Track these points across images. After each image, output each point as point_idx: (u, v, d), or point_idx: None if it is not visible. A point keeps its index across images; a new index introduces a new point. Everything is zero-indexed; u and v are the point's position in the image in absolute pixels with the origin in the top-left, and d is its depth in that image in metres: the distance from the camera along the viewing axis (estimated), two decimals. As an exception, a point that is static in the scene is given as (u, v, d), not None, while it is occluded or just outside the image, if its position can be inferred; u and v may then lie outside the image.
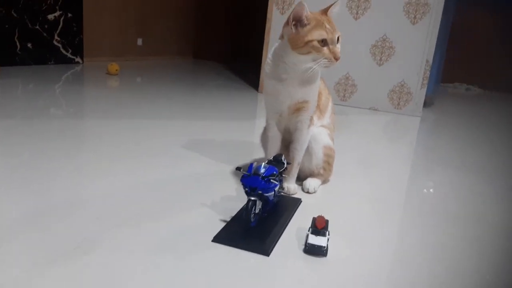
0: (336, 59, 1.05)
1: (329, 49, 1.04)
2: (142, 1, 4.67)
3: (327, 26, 1.04)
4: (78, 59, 3.90)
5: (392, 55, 2.82)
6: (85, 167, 1.32)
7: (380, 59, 2.86)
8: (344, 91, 3.00)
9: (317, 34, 1.03)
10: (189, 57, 5.80)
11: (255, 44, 3.15)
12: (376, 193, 1.32)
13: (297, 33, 1.05)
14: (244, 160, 1.49)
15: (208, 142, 1.73)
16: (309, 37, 1.03)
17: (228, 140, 1.79)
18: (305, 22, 1.04)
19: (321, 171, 1.28)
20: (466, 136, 2.41)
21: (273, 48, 1.14)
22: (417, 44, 2.74)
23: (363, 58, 2.89)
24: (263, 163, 0.96)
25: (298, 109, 1.16)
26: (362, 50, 2.88)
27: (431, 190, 1.41)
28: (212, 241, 0.90)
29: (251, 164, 0.96)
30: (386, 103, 2.90)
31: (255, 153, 1.53)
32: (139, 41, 4.81)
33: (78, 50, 3.88)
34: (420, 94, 2.82)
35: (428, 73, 2.77)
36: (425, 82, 2.79)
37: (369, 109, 2.94)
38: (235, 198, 1.14)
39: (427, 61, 2.75)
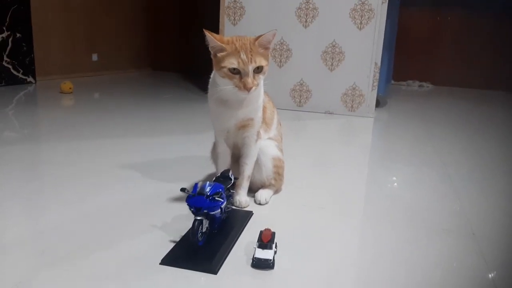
0: (247, 89, 1.07)
1: (240, 78, 1.07)
2: (92, 17, 4.59)
3: (242, 56, 1.05)
4: (30, 79, 3.79)
5: (342, 60, 2.92)
6: (34, 196, 1.30)
7: (332, 64, 2.95)
8: (300, 97, 3.07)
9: (228, 63, 1.06)
10: (147, 69, 5.74)
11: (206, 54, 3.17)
12: (328, 200, 1.37)
13: (215, 57, 1.09)
14: (196, 177, 1.50)
15: (161, 160, 1.74)
16: (222, 64, 1.07)
17: (182, 156, 1.80)
18: (219, 48, 1.07)
19: (272, 182, 1.32)
20: (418, 132, 2.52)
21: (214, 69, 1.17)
22: (365, 48, 2.85)
23: (315, 64, 2.97)
24: (208, 182, 0.99)
25: (243, 126, 1.19)
26: (314, 57, 2.96)
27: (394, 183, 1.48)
28: (160, 264, 0.91)
29: (196, 184, 0.98)
30: (340, 106, 2.99)
31: (208, 168, 1.55)
32: (94, 57, 4.72)
33: (30, 70, 3.77)
34: (371, 96, 2.93)
35: (377, 75, 2.88)
36: (375, 84, 2.90)
37: (325, 113, 3.02)
38: (186, 217, 1.15)
39: (375, 63, 2.86)
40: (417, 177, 1.67)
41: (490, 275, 0.94)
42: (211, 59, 1.12)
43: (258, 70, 1.08)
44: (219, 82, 1.10)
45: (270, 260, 0.91)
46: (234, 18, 3.03)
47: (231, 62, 1.05)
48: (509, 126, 3.02)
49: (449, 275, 0.94)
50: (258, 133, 1.23)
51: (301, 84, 3.04)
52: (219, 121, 1.20)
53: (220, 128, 1.21)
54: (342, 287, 0.87)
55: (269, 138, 1.32)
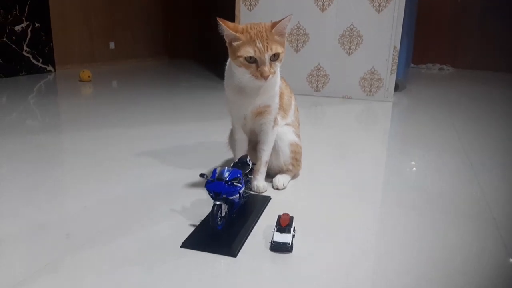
0: (264, 78, 1.06)
1: (257, 66, 1.06)
2: (111, 5, 4.62)
3: (258, 44, 1.04)
4: (50, 68, 3.86)
5: (361, 43, 2.87)
6: (57, 184, 1.34)
7: (349, 48, 2.91)
8: (317, 82, 3.04)
9: (244, 52, 1.05)
10: (164, 58, 5.77)
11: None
12: (347, 185, 1.37)
13: (231, 46, 1.08)
14: (215, 163, 1.52)
15: (179, 146, 1.76)
16: (238, 53, 1.06)
17: (201, 142, 1.82)
18: (233, 37, 1.06)
19: (290, 167, 1.32)
20: (438, 117, 2.48)
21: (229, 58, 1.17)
22: (383, 32, 2.80)
23: (332, 48, 2.93)
24: (226, 168, 1.00)
25: (260, 113, 1.19)
26: (331, 41, 2.92)
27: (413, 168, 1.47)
28: (181, 247, 0.93)
29: (215, 170, 0.99)
30: (358, 91, 2.96)
31: (226, 154, 1.56)
32: (111, 45, 4.77)
33: (49, 59, 3.83)
34: (390, 80, 2.88)
35: (396, 58, 2.83)
36: (394, 67, 2.86)
37: (342, 97, 2.99)
38: (205, 202, 1.17)
39: (394, 47, 2.81)
40: (438, 163, 1.65)
41: (510, 260, 0.93)
42: (227, 47, 1.12)
43: (275, 57, 1.08)
44: (236, 71, 1.10)
45: (289, 243, 0.92)
46: (250, 4, 3.01)
47: (247, 51, 1.05)
48: (533, 109, 2.94)
49: (469, 261, 0.93)
50: (275, 120, 1.24)
51: (318, 69, 3.01)
52: (236, 109, 1.21)
53: (237, 115, 1.22)
54: (360, 272, 0.88)
55: (287, 124, 1.32)
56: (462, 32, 5.22)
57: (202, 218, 1.06)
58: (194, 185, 1.30)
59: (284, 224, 0.95)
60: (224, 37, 1.08)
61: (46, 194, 1.24)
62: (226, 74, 1.19)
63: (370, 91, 2.93)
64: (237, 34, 1.06)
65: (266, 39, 1.05)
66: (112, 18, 4.68)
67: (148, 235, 0.99)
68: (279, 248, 0.92)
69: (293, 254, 0.92)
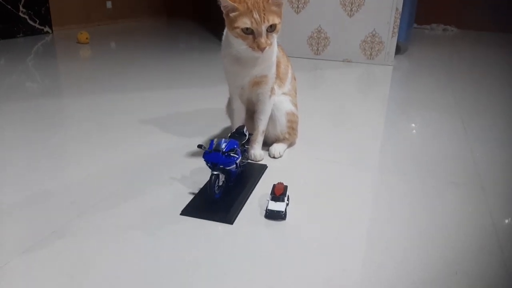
0: (261, 49, 1.07)
1: (253, 38, 1.06)
2: (107, -38, 4.48)
3: (255, 16, 1.04)
4: (47, 29, 3.81)
5: (362, 5, 2.82)
6: (60, 151, 1.37)
7: (351, 10, 2.85)
8: (317, 45, 3.01)
9: (241, 22, 1.05)
10: (163, 17, 5.66)
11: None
12: (342, 153, 1.41)
13: (228, 17, 1.08)
14: (213, 131, 1.55)
15: (179, 113, 1.78)
16: (235, 24, 1.06)
17: (199, 109, 1.84)
18: (231, 8, 1.06)
19: (286, 136, 1.35)
20: (438, 82, 2.48)
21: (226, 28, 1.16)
22: (386, -7, 2.73)
23: (333, 10, 2.88)
24: (223, 139, 1.03)
25: (257, 83, 1.20)
26: (332, 2, 2.87)
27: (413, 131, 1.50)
28: (180, 214, 0.98)
29: (212, 141, 1.02)
30: (359, 54, 2.93)
31: (224, 122, 1.59)
32: (108, 4, 4.67)
33: (46, 20, 3.77)
34: (391, 43, 2.85)
35: (398, 21, 2.79)
36: (396, 30, 2.82)
37: (343, 61, 2.97)
38: (204, 170, 1.20)
39: (396, 9, 2.76)
40: (433, 129, 1.67)
41: (494, 230, 0.98)
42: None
43: (271, 28, 1.08)
44: (233, 42, 1.11)
45: (282, 211, 0.96)
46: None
47: (244, 22, 1.05)
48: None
49: (455, 229, 0.98)
50: (272, 89, 1.25)
51: (319, 31, 2.97)
52: (234, 79, 1.22)
53: (235, 85, 1.24)
54: (351, 238, 0.93)
55: (284, 93, 1.34)
56: (468, -9, 5.08)
57: (201, 187, 1.10)
58: (193, 153, 1.34)
59: (278, 193, 0.99)
60: (221, 8, 1.08)
61: (48, 161, 1.28)
62: (223, 44, 1.20)
63: (371, 54, 2.91)
64: (235, 4, 1.05)
65: (263, 10, 1.05)
66: (108, -25, 4.55)
67: (149, 202, 1.04)
68: (273, 215, 0.97)
69: (287, 221, 0.97)
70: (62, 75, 2.49)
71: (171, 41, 3.89)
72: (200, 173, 1.19)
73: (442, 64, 3.12)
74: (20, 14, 3.52)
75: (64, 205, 1.02)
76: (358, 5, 2.82)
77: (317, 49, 3.02)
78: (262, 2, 1.05)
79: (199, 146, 1.02)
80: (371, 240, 0.92)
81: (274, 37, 1.11)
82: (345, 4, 2.85)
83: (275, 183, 1.04)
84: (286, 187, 1.03)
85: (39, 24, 3.71)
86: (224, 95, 1.36)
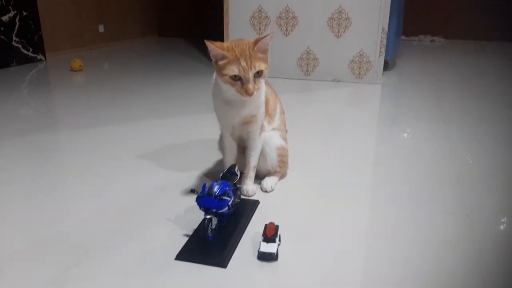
0: (248, 94, 1.12)
1: (241, 84, 1.12)
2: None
3: (242, 63, 1.09)
4: (40, 57, 3.85)
5: (349, 26, 2.88)
6: (54, 189, 1.40)
7: (338, 31, 2.92)
8: (307, 66, 3.07)
9: (229, 70, 1.11)
10: (154, 36, 5.73)
11: (218, 19, 3.16)
12: (334, 183, 1.45)
13: (217, 64, 1.14)
14: (207, 164, 1.58)
15: (173, 144, 1.82)
16: (223, 71, 1.12)
17: (194, 140, 1.88)
18: (220, 57, 1.12)
19: (277, 169, 1.40)
20: (426, 97, 2.53)
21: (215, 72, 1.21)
22: (371, 14, 2.81)
23: (321, 31, 2.95)
24: (215, 182, 1.07)
25: (247, 122, 1.25)
26: (320, 24, 2.93)
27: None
28: (175, 259, 1.01)
29: (204, 184, 1.06)
30: (347, 74, 2.99)
31: (219, 154, 1.63)
32: (101, 28, 4.73)
33: (39, 48, 3.82)
34: (379, 62, 2.92)
35: (384, 40, 2.85)
36: (383, 49, 2.88)
37: (332, 81, 3.03)
38: (197, 209, 1.24)
39: (383, 29, 2.83)
40: (422, 153, 1.72)
41: (479, 266, 1.02)
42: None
43: (258, 74, 1.13)
44: (222, 87, 1.16)
45: (274, 253, 1.00)
46: (238, -12, 2.99)
47: (232, 70, 1.10)
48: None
49: (444, 263, 1.02)
50: (262, 126, 1.30)
51: (308, 53, 3.03)
52: (224, 119, 1.27)
53: (226, 124, 1.28)
54: (344, 276, 0.96)
55: (273, 129, 1.38)
56: (453, 3, 5.19)
57: (195, 227, 1.13)
58: (187, 191, 1.37)
59: (270, 234, 1.02)
60: (211, 56, 1.13)
61: (45, 200, 1.31)
62: (213, 86, 1.25)
63: (359, 73, 2.97)
64: (224, 53, 1.10)
65: (250, 57, 1.10)
66: (100, 0, 4.62)
67: (146, 246, 1.07)
68: (265, 257, 1.00)
69: (279, 262, 1.01)
70: (56, 105, 2.52)
71: (164, 62, 3.94)
72: (194, 212, 1.22)
73: (430, 76, 3.19)
74: (13, 43, 3.57)
75: (62, 252, 1.05)
76: (345, 26, 2.89)
77: (307, 70, 3.08)
78: (249, 50, 1.10)
79: (192, 190, 1.06)
80: (365, 278, 0.95)
81: (261, 82, 1.16)
82: (332, 26, 2.91)
83: (267, 223, 1.08)
84: (277, 227, 1.06)
85: (32, 52, 3.76)
86: (216, 123, 1.39)
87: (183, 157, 1.68)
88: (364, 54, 2.91)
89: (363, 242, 1.10)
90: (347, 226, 1.17)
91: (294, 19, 2.98)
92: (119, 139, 1.89)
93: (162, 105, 2.48)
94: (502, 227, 1.18)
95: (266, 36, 1.11)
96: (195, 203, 1.04)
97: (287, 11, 2.97)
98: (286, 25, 3.00)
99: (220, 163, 1.55)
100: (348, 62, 2.96)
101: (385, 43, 2.86)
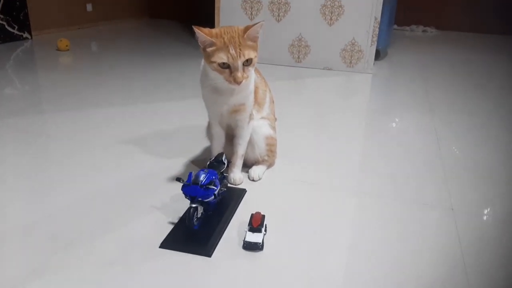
0: (237, 83, 1.10)
1: (230, 72, 1.09)
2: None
3: (231, 51, 1.07)
4: (26, 35, 3.75)
5: (342, 14, 2.85)
6: (36, 175, 1.37)
7: (331, 19, 2.89)
8: (298, 53, 3.04)
9: (218, 57, 1.08)
10: (145, 17, 5.61)
11: (211, 2, 3.09)
12: (320, 173, 1.44)
13: (205, 51, 1.11)
14: (195, 150, 1.57)
15: (159, 131, 1.80)
16: (211, 58, 1.09)
17: (181, 126, 1.85)
18: (209, 43, 1.09)
19: (266, 158, 1.39)
20: (416, 90, 2.53)
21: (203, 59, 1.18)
22: (364, 2, 2.78)
23: (314, 18, 2.91)
24: (202, 170, 1.05)
25: (236, 110, 1.23)
26: (313, 11, 2.90)
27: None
28: (160, 247, 1.00)
29: (190, 173, 1.04)
30: (339, 62, 2.98)
31: (205, 141, 1.61)
32: (89, 7, 4.61)
33: (25, 25, 3.72)
34: (370, 51, 2.90)
35: (377, 30, 2.84)
36: (375, 39, 2.87)
37: (323, 69, 3.01)
38: (183, 197, 1.23)
39: (375, 18, 2.81)
40: (409, 146, 1.72)
41: (463, 260, 1.03)
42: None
43: (247, 62, 1.11)
44: (210, 75, 1.14)
45: (259, 243, 0.99)
46: (230, -29, 2.93)
47: (221, 57, 1.07)
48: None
49: (427, 257, 1.03)
50: (251, 115, 1.28)
51: (300, 39, 3.00)
52: (212, 107, 1.25)
53: (214, 112, 1.26)
54: (329, 266, 0.97)
55: (262, 118, 1.36)
56: (447, -7, 5.17)
57: (180, 215, 1.12)
58: (173, 178, 1.35)
59: (256, 224, 1.02)
60: (199, 43, 1.10)
61: (27, 186, 1.28)
62: (201, 74, 1.22)
63: (351, 62, 2.95)
64: (212, 40, 1.08)
65: (239, 45, 1.07)
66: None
67: (130, 234, 1.06)
68: (250, 247, 1.00)
69: (264, 252, 1.00)
70: (41, 86, 2.46)
71: (153, 45, 3.87)
72: (180, 200, 1.21)
73: (421, 67, 3.19)
74: (-2, 20, 3.46)
75: (43, 240, 1.03)
76: (338, 14, 2.86)
77: (298, 57, 3.05)
78: (238, 37, 1.08)
79: (178, 179, 1.05)
80: (349, 269, 0.95)
81: (250, 70, 1.14)
82: (325, 13, 2.88)
83: (253, 212, 1.07)
84: (263, 217, 1.06)
85: (18, 30, 3.66)
86: (204, 109, 1.37)
87: (170, 143, 1.66)
88: (356, 43, 2.89)
89: (349, 233, 1.10)
90: (334, 217, 1.17)
91: (287, 5, 2.94)
92: (105, 123, 1.86)
93: (150, 89, 2.44)
94: (486, 219, 1.19)
95: (256, 23, 1.09)
96: (180, 191, 1.03)
97: (280, -4, 2.92)
98: (279, 10, 2.96)
99: (208, 150, 1.54)
100: (339, 50, 2.94)
101: (377, 33, 2.84)
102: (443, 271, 0.97)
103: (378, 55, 3.20)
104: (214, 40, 1.08)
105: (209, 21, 2.93)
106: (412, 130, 1.89)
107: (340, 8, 2.84)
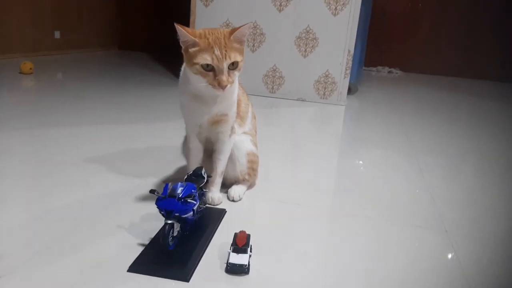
0: (221, 87, 1.00)
1: (214, 75, 1.00)
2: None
3: (216, 52, 0.98)
4: (-14, 57, 3.55)
5: (316, 46, 2.88)
6: (-12, 193, 1.20)
7: (305, 51, 2.90)
8: (273, 83, 3.02)
9: (201, 59, 0.98)
10: (114, 49, 5.52)
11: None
12: (302, 194, 1.35)
13: (187, 52, 1.01)
14: (166, 171, 1.44)
15: (129, 150, 1.66)
16: (194, 60, 0.99)
17: (151, 146, 1.72)
18: (191, 43, 1.00)
19: (246, 177, 1.28)
20: (388, 121, 2.53)
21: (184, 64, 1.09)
22: (339, 35, 2.82)
23: (288, 50, 2.92)
24: (180, 183, 0.93)
25: (217, 121, 1.13)
26: (287, 42, 2.91)
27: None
28: (128, 271, 0.86)
29: (167, 185, 0.92)
30: (312, 94, 2.97)
31: (178, 161, 1.49)
32: (57, 34, 4.48)
33: (-15, 48, 3.52)
34: (343, 84, 2.91)
35: (350, 62, 2.87)
36: (348, 71, 2.89)
37: (297, 100, 2.99)
38: (156, 216, 1.09)
39: (349, 51, 2.84)
40: (389, 167, 1.67)
41: (464, 275, 0.95)
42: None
43: (233, 66, 1.02)
44: (192, 79, 1.04)
45: (245, 265, 0.87)
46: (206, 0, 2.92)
47: (205, 58, 0.98)
48: (471, 113, 3.09)
49: (424, 272, 0.93)
50: (232, 128, 1.18)
51: (274, 70, 2.99)
52: (191, 117, 1.14)
53: (192, 123, 1.15)
54: (319, 292, 0.85)
55: (244, 133, 1.27)
56: (411, 37, 5.43)
57: (152, 236, 0.98)
58: (144, 197, 1.22)
59: (241, 244, 0.90)
60: (181, 43, 1.01)
61: (-26, 207, 1.11)
62: (180, 79, 1.12)
63: (324, 94, 2.95)
64: (195, 39, 0.99)
65: (225, 47, 0.99)
66: (58, 4, 4.39)
67: (92, 256, 0.91)
68: (235, 270, 0.87)
69: (250, 275, 0.88)
70: (1, 108, 2.28)
71: (122, 74, 3.76)
72: (151, 220, 1.07)
73: (390, 103, 3.23)
74: (-45, 40, 3.26)
75: (-13, 262, 0.86)
76: (312, 46, 2.88)
77: (272, 88, 3.02)
78: (224, 39, 1.00)
79: (152, 191, 0.92)
80: (342, 296, 0.84)
81: (236, 75, 1.06)
82: (299, 45, 2.89)
83: (237, 231, 0.95)
84: (249, 236, 0.94)
85: (-23, 51, 3.46)
86: (177, 132, 1.27)
87: (140, 162, 1.52)
88: (329, 75, 2.90)
89: (342, 254, 0.99)
90: (324, 238, 1.07)
91: (262, 36, 2.93)
92: (68, 142, 1.70)
93: (119, 112, 2.30)
94: (481, 239, 1.12)
95: (244, 25, 1.02)
96: (153, 211, 0.90)
97: (255, 27, 2.93)
98: (254, 41, 2.95)
99: (181, 170, 1.41)
100: (313, 82, 2.94)
101: (351, 65, 2.87)
102: (449, 295, 0.87)
103: (349, 90, 3.22)
104: (197, 40, 0.99)
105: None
106: (388, 154, 1.84)
107: (314, 41, 2.87)
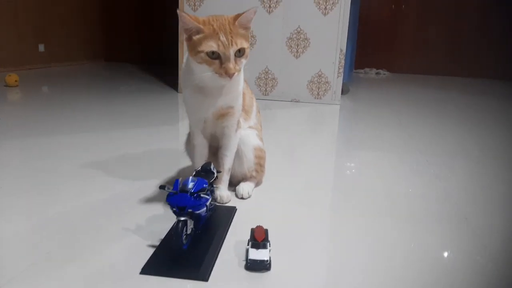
0: (229, 75, 0.95)
1: (220, 63, 0.95)
2: (42, 4, 4.25)
3: (222, 38, 0.93)
4: (-32, 72, 3.44)
5: (308, 46, 2.85)
6: (-20, 202, 1.12)
7: (297, 51, 2.88)
8: (266, 86, 2.98)
9: (206, 46, 0.93)
10: (100, 61, 5.43)
11: (168, 43, 3.00)
12: (309, 192, 1.30)
13: (191, 40, 0.96)
14: (169, 172, 1.38)
15: (125, 155, 1.59)
16: (199, 48, 0.94)
17: (150, 150, 1.66)
18: (195, 30, 0.95)
19: (254, 174, 1.22)
20: (384, 118, 2.51)
21: (186, 53, 1.04)
22: (330, 34, 2.80)
23: (280, 51, 2.89)
24: (190, 177, 0.87)
25: (223, 115, 1.08)
26: (279, 44, 2.88)
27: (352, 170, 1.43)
28: (141, 273, 0.79)
29: (177, 180, 0.86)
30: (306, 94, 2.94)
31: (181, 162, 1.43)
32: (41, 47, 4.38)
33: (-33, 62, 3.42)
34: (337, 83, 2.89)
35: (343, 61, 2.85)
36: (341, 70, 2.87)
37: (291, 101, 2.95)
38: (163, 217, 1.03)
39: (341, 50, 2.83)
40: (396, 163, 1.63)
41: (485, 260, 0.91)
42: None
43: (240, 53, 0.97)
44: (196, 69, 0.98)
45: (267, 260, 0.81)
46: (194, 4, 2.88)
47: (210, 45, 0.93)
48: (455, 108, 3.10)
49: (445, 263, 0.89)
50: (238, 122, 1.13)
51: (266, 72, 2.95)
52: (196, 111, 1.08)
53: (197, 118, 1.09)
54: (346, 284, 0.80)
55: (249, 127, 1.22)
56: (397, 38, 5.48)
57: (161, 237, 0.92)
58: (148, 198, 1.15)
59: (260, 239, 0.84)
60: (184, 32, 0.96)
61: (-35, 217, 1.03)
62: (183, 72, 1.07)
63: (318, 94, 2.92)
64: (200, 26, 0.94)
65: (231, 33, 0.94)
66: (42, 17, 4.30)
67: (100, 261, 0.84)
68: (256, 266, 0.81)
69: (271, 271, 0.82)
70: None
71: (109, 84, 3.68)
72: (158, 221, 1.01)
73: (383, 102, 3.21)
74: None
75: (-16, 272, 0.79)
76: (304, 46, 2.86)
77: (265, 90, 2.98)
78: (229, 25, 0.95)
79: (162, 187, 0.85)
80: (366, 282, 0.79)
81: (243, 63, 1.01)
82: (291, 46, 2.87)
83: (253, 227, 0.89)
84: (267, 231, 0.88)
85: (-42, 66, 3.35)
86: (173, 135, 1.21)
87: (139, 166, 1.46)
88: (322, 75, 2.88)
89: (362, 253, 0.94)
90: (341, 236, 1.02)
91: (253, 38, 2.90)
92: (62, 150, 1.62)
93: (110, 119, 2.23)
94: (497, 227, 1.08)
95: (249, 10, 0.97)
96: (159, 212, 0.85)
97: (245, 29, 2.89)
98: (244, 43, 2.91)
99: (184, 172, 1.35)
100: (306, 82, 2.91)
101: (343, 64, 2.85)
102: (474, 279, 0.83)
103: (342, 91, 3.20)
104: (201, 27, 0.94)
105: (173, 63, 2.82)
106: (396, 151, 1.81)
107: (306, 41, 2.84)
